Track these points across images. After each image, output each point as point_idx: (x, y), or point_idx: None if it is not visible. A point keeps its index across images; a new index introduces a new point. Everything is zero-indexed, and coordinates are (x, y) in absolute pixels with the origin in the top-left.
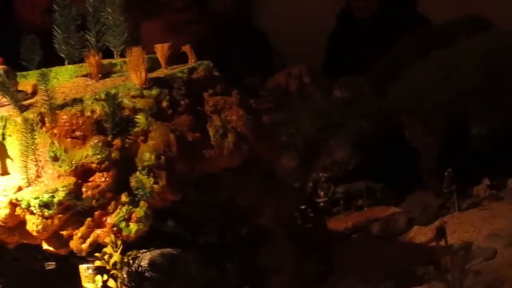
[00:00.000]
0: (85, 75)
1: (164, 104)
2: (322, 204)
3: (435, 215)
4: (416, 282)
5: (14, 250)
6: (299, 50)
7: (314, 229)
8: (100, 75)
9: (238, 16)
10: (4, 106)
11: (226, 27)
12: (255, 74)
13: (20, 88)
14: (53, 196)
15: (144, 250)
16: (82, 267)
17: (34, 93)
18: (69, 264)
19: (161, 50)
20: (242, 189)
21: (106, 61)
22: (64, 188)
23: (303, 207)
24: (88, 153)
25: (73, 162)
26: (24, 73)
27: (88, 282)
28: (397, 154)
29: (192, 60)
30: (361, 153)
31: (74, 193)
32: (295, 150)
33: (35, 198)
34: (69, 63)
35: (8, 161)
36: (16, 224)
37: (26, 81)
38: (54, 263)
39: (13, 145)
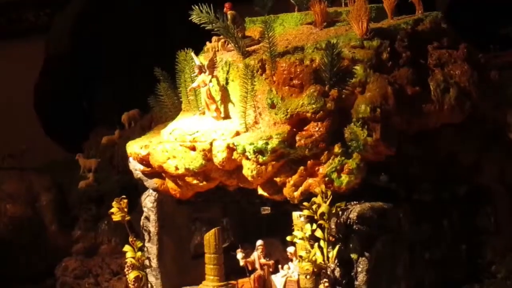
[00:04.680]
0: (310, 23)
1: (384, 55)
2: None
3: None
4: None
5: (234, 193)
6: None
7: None
8: (324, 24)
9: None
10: (230, 51)
11: None
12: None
13: (248, 33)
14: (267, 143)
15: (354, 202)
16: (295, 215)
17: (261, 39)
18: (283, 211)
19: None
20: (463, 147)
21: (331, 9)
22: (278, 136)
23: None
24: (303, 102)
25: (288, 110)
26: (254, 18)
27: (298, 230)
28: None
29: (420, 11)
30: None
31: (288, 141)
32: None
33: (250, 144)
34: (298, 10)
35: (230, 105)
36: (234, 168)
37: (255, 27)
38: (269, 208)
39: (235, 90)
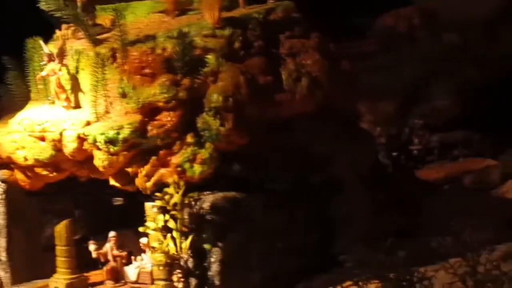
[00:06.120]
0: (162, 11)
1: (237, 45)
2: (416, 152)
3: None
4: None
5: (86, 184)
6: None
7: (403, 179)
8: (176, 12)
9: None
10: (80, 39)
11: None
12: (364, 14)
13: (99, 21)
14: (118, 133)
15: (207, 192)
16: (148, 205)
17: (112, 27)
18: (136, 201)
19: None
20: (316, 136)
21: None
22: (130, 126)
23: (395, 154)
24: (155, 91)
25: (140, 100)
26: (105, 6)
27: (151, 220)
28: (501, 104)
29: (271, 1)
30: (463, 101)
31: (140, 131)
32: (394, 95)
33: (101, 134)
34: None
35: (80, 94)
36: (85, 158)
37: (106, 15)
38: (121, 199)
39: (85, 79)
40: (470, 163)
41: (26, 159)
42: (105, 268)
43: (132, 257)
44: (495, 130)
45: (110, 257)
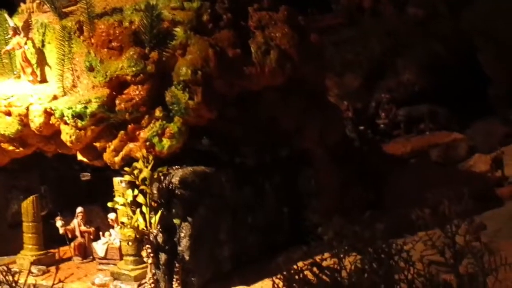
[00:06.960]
0: None
1: (205, 17)
2: (382, 126)
3: (500, 143)
4: None
5: (53, 159)
6: None
7: (370, 153)
8: None
9: None
10: (45, 12)
11: None
12: None
13: None
14: (86, 107)
15: (176, 167)
16: (116, 180)
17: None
18: (104, 176)
19: None
20: (285, 110)
21: None
22: (97, 100)
23: (362, 128)
24: (123, 64)
25: (108, 74)
26: None
27: (119, 195)
28: (467, 78)
29: None
30: (428, 75)
31: (108, 105)
32: (360, 69)
33: (69, 108)
34: None
35: (46, 68)
36: (52, 133)
37: None
38: (89, 174)
39: (52, 53)
40: (437, 136)
41: None
42: (72, 244)
43: (100, 233)
44: (461, 104)
45: (77, 233)
